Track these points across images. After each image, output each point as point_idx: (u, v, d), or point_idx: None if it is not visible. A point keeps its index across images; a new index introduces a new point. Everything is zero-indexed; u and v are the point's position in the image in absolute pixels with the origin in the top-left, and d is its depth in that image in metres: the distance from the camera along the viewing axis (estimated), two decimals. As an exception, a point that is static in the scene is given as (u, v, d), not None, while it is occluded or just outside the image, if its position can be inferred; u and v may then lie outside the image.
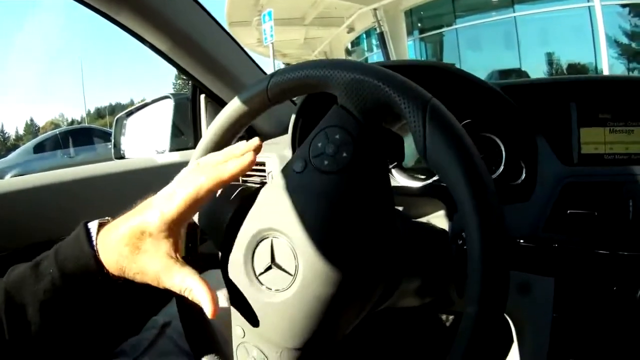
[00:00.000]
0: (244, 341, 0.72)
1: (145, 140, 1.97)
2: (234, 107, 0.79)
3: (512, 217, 1.02)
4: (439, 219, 1.01)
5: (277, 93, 0.74)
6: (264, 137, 1.57)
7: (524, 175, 1.08)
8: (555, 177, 1.01)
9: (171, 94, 1.83)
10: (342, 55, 22.68)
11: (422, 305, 0.94)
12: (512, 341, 1.09)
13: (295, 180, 0.68)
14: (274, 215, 0.67)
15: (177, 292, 0.67)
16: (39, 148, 13.22)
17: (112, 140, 2.04)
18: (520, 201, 1.03)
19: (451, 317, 1.79)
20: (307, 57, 26.91)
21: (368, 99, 0.65)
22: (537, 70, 13.61)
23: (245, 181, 1.51)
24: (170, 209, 0.67)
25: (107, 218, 0.73)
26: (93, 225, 0.71)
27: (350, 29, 19.30)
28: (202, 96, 1.62)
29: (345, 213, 0.65)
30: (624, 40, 12.58)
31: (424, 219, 1.06)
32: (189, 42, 1.36)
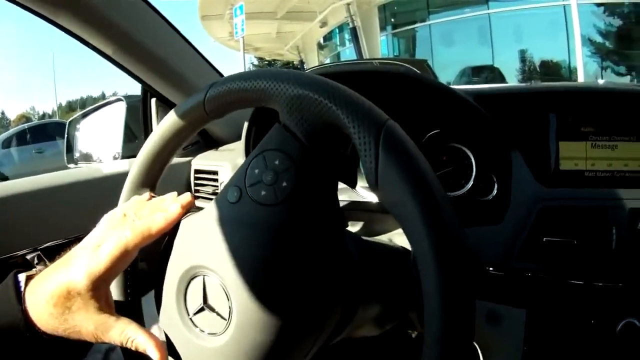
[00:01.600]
0: None
1: (99, 146, 1.84)
2: (171, 121, 0.71)
3: (483, 241, 0.95)
4: (401, 237, 0.93)
5: (215, 107, 0.66)
6: (220, 143, 1.52)
7: (495, 191, 1.01)
8: (531, 199, 0.94)
9: (124, 96, 1.74)
10: (314, 50, 22.78)
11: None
12: None
13: (229, 211, 0.61)
14: (205, 251, 0.60)
15: (119, 345, 0.64)
16: (7, 143, 12.91)
17: (64, 145, 1.97)
18: (492, 223, 0.96)
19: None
20: (279, 51, 27.18)
21: (313, 119, 0.57)
22: (509, 67, 13.70)
23: (197, 191, 1.45)
24: (96, 265, 0.62)
25: (35, 270, 0.68)
26: (22, 277, 0.66)
27: (323, 24, 19.33)
28: (153, 100, 1.53)
29: (283, 251, 0.57)
30: (598, 39, 12.78)
31: (385, 236, 1.01)
32: (136, 44, 1.26)
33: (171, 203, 0.67)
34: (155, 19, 1.30)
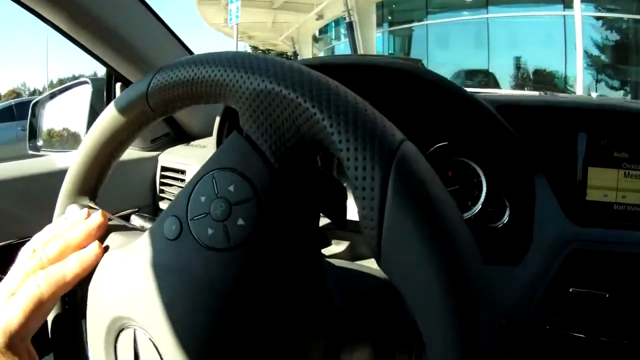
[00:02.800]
0: None
1: (64, 131, 1.72)
2: (108, 121, 0.57)
3: (496, 284, 0.81)
4: None
5: (160, 102, 0.50)
6: (193, 136, 1.39)
7: (507, 217, 0.86)
8: (558, 238, 0.80)
9: (90, 78, 1.60)
10: (309, 42, 22.86)
11: None
12: None
13: (165, 251, 0.45)
14: (133, 299, 0.46)
15: None
16: (-7, 117, 12.62)
17: (27, 129, 1.81)
18: (510, 263, 0.81)
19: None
20: (274, 41, 27.29)
21: (287, 128, 0.40)
22: (504, 72, 13.75)
23: (162, 191, 1.31)
24: (10, 322, 0.54)
25: None
26: None
27: (320, 16, 19.37)
28: (118, 85, 1.38)
29: (234, 318, 0.42)
30: (595, 51, 12.85)
31: (373, 260, 0.82)
32: (95, 19, 1.10)
33: (82, 232, 0.56)
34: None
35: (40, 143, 1.74)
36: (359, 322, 0.60)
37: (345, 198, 0.48)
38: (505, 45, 13.98)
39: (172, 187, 1.26)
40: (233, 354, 0.42)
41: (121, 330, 0.48)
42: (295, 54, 25.47)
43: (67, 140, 1.68)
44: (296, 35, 23.81)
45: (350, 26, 15.02)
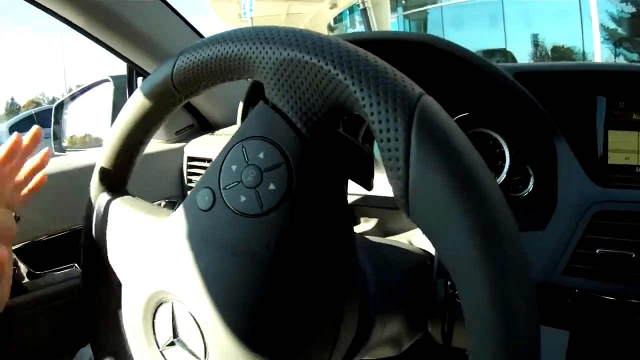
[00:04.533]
0: None
1: (87, 130, 1.79)
2: (136, 103, 0.59)
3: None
4: (421, 237, 0.80)
5: (186, 81, 0.52)
6: (216, 126, 1.43)
7: (531, 186, 0.88)
8: (582, 200, 0.81)
9: (111, 76, 1.64)
10: (324, 32, 22.82)
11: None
12: None
13: (199, 222, 0.47)
14: (170, 273, 0.48)
15: None
16: (15, 128, 12.85)
17: (52, 131, 1.86)
18: (533, 229, 0.82)
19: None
20: None
21: (312, 94, 0.42)
22: (522, 51, 13.81)
23: (190, 181, 1.35)
24: None
25: None
26: None
27: (333, 5, 19.30)
28: (140, 79, 1.42)
29: (270, 282, 0.44)
30: (611, 24, 12.72)
31: (402, 236, 0.90)
32: (112, 15, 1.13)
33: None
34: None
35: (65, 144, 1.81)
36: (391, 292, 0.63)
37: (372, 162, 0.50)
38: (521, 23, 13.91)
39: (200, 175, 1.27)
40: (271, 318, 0.44)
41: (159, 306, 0.50)
42: (311, 44, 25.79)
43: (91, 138, 1.74)
44: (311, 25, 23.78)
45: (364, 12, 15.03)
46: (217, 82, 0.51)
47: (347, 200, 0.49)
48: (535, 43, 14.43)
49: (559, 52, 13.79)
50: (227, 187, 0.45)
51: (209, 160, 1.26)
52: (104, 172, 0.66)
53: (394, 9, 16.62)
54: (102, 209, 0.66)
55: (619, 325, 0.80)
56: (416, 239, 0.85)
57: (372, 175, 0.50)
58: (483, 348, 0.34)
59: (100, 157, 0.66)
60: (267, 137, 0.44)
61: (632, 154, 0.83)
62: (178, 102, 0.56)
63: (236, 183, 0.45)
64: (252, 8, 15.59)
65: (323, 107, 0.42)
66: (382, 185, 0.82)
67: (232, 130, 1.34)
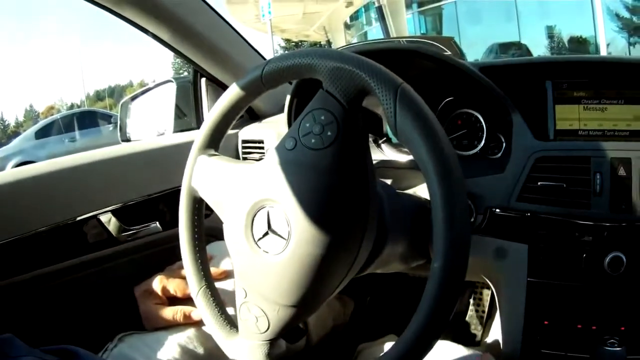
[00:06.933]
0: (245, 301, 0.80)
1: (149, 123, 1.99)
2: (233, 92, 0.87)
3: (488, 188, 1.09)
4: (424, 190, 1.06)
5: (271, 79, 0.81)
6: (262, 117, 1.67)
7: (504, 148, 1.16)
8: (528, 151, 1.07)
9: (173, 77, 1.87)
10: (341, 30, 22.40)
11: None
12: (495, 308, 1.18)
13: (287, 156, 0.75)
14: (270, 187, 0.75)
15: None
16: (40, 134, 12.92)
17: (118, 124, 2.08)
18: (496, 172, 1.10)
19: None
20: (306, 32, 26.36)
21: (348, 85, 0.71)
22: (537, 43, 13.62)
23: (245, 158, 1.60)
24: None
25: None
26: None
27: (349, 3, 18.96)
28: (203, 80, 1.71)
29: (331, 183, 0.71)
30: (625, 14, 12.50)
31: (410, 191, 1.14)
32: (188, 30, 1.40)
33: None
34: (203, 7, 1.44)
35: (129, 135, 2.01)
36: (400, 218, 0.87)
37: (381, 123, 0.85)
38: (535, 15, 13.50)
39: (252, 153, 1.56)
40: (329, 209, 0.71)
41: (259, 210, 0.75)
42: (328, 42, 25.02)
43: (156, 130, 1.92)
44: (328, 24, 23.06)
45: (380, 10, 14.69)
46: (294, 79, 0.81)
47: (369, 145, 0.77)
48: (550, 35, 14.18)
49: (575, 43, 13.53)
50: (303, 136, 0.73)
51: (259, 142, 1.54)
52: (203, 139, 0.91)
53: (409, 6, 15.95)
54: (204, 164, 0.90)
55: (564, 240, 1.03)
56: (420, 192, 1.10)
57: (382, 130, 0.85)
58: (437, 223, 0.65)
59: (202, 128, 0.91)
60: (325, 107, 0.72)
61: (575, 121, 1.08)
62: (261, 91, 0.84)
63: (309, 133, 0.72)
64: (270, 10, 15.43)
65: (354, 90, 0.71)
66: (393, 154, 1.13)
67: (275, 119, 1.62)
